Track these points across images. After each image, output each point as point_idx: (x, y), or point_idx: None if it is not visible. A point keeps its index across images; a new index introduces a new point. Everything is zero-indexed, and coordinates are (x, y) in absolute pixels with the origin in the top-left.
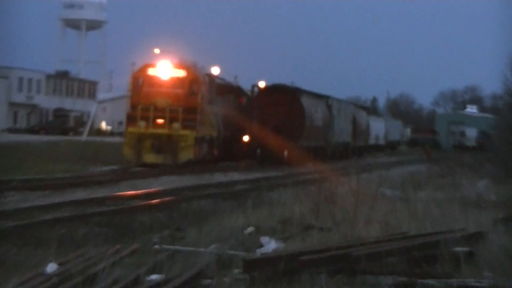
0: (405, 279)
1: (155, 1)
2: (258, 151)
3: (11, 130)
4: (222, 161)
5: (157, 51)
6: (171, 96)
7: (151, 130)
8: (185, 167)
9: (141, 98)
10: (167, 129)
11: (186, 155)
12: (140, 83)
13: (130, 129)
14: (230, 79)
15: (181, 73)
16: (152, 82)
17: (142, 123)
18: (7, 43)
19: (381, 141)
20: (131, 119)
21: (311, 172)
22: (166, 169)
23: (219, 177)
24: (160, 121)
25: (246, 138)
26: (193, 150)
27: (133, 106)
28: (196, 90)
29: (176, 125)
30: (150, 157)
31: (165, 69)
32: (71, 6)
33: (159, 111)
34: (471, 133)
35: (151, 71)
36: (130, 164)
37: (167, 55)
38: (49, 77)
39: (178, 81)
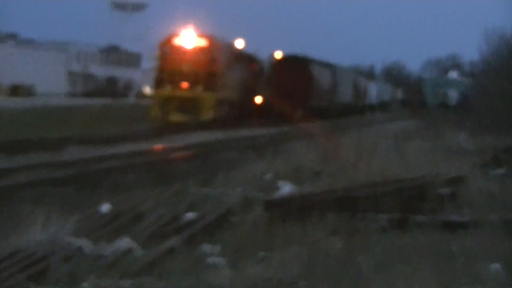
0: (398, 215)
1: None
2: (273, 110)
3: (70, 95)
4: (241, 120)
5: (188, 27)
6: (194, 62)
7: (177, 93)
8: (210, 124)
9: (167, 65)
10: (190, 91)
11: (208, 114)
12: (167, 51)
13: (158, 92)
14: (252, 50)
15: (203, 42)
16: (177, 50)
17: (168, 87)
18: (66, 22)
19: (376, 102)
20: (158, 83)
21: (319, 127)
22: (194, 126)
23: (240, 132)
24: (184, 84)
25: (260, 99)
26: (214, 110)
27: (160, 72)
28: (216, 57)
29: (198, 88)
30: (175, 117)
31: (189, 39)
32: None
33: (183, 76)
34: (452, 94)
35: (176, 41)
36: (157, 123)
37: (193, 28)
38: (101, 50)
39: (200, 49)
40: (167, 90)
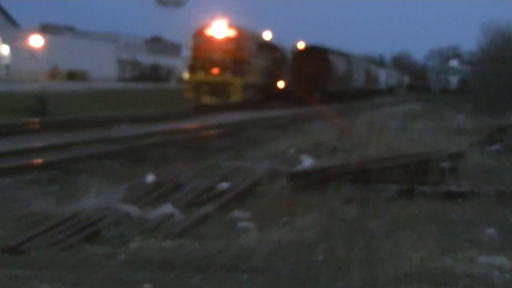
0: (405, 186)
1: None
2: (294, 94)
3: (120, 79)
4: (265, 102)
5: (218, 19)
6: (223, 50)
7: (208, 78)
8: (238, 106)
9: (200, 53)
10: (220, 76)
11: (235, 97)
12: (199, 40)
13: (191, 77)
14: (277, 40)
15: (232, 33)
16: (208, 39)
17: (200, 72)
18: (116, 16)
19: (385, 86)
20: (191, 69)
21: (335, 109)
22: (224, 107)
23: (265, 113)
24: (214, 70)
25: (282, 84)
26: (241, 93)
27: (193, 59)
28: (243, 46)
29: (227, 73)
30: (206, 99)
31: (219, 29)
32: None
33: (214, 63)
34: (453, 80)
35: (208, 31)
36: (191, 105)
37: (223, 20)
38: (146, 41)
39: (229, 39)
40: (199, 75)
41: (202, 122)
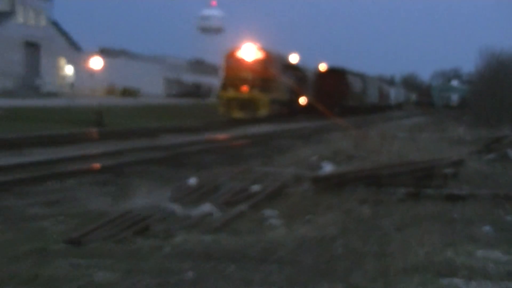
0: (412, 189)
1: (255, 13)
2: (316, 108)
3: (166, 96)
4: (289, 116)
5: (247, 43)
6: (252, 70)
7: (237, 95)
8: (265, 119)
9: (231, 72)
10: (249, 93)
11: (263, 111)
12: (230, 61)
13: (223, 94)
14: (303, 61)
15: (260, 55)
16: (238, 60)
17: (231, 90)
18: (164, 41)
19: (394, 102)
20: (224, 86)
21: (352, 122)
22: (254, 121)
23: (289, 125)
24: (244, 88)
25: (304, 100)
26: (268, 108)
27: (225, 78)
28: (270, 66)
29: (255, 90)
30: (237, 113)
31: (248, 52)
32: (204, 19)
33: (243, 81)
34: (454, 97)
35: (238, 53)
36: (224, 118)
37: (252, 43)
38: (189, 62)
39: (257, 60)
40: (230, 92)
41: (235, 133)
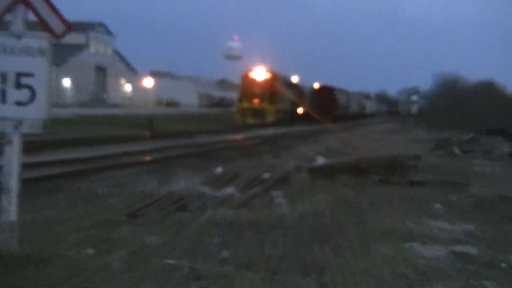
0: (384, 176)
1: (270, 41)
2: (311, 117)
3: (199, 107)
4: (290, 122)
5: (258, 66)
6: (261, 87)
7: (251, 105)
8: (272, 124)
9: (245, 88)
10: (259, 105)
11: (270, 118)
12: (245, 80)
13: (239, 105)
14: (302, 80)
15: (267, 75)
16: (251, 79)
17: (246, 101)
18: (198, 64)
19: (370, 112)
20: (240, 99)
21: (339, 126)
22: (263, 125)
23: (291, 129)
24: (255, 100)
25: (301, 110)
26: (274, 116)
27: (241, 93)
28: (275, 84)
29: (264, 102)
30: (250, 120)
31: (259, 73)
32: (228, 49)
33: (255, 95)
34: (414, 108)
35: (251, 74)
36: (240, 124)
37: (262, 66)
38: (217, 81)
39: (266, 79)
40: (244, 104)
41: (249, 134)
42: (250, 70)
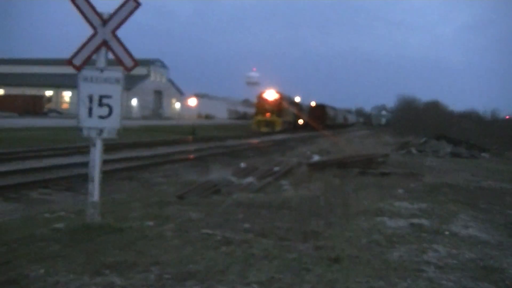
0: (362, 169)
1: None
2: (309, 126)
3: (229, 119)
4: (293, 130)
5: (270, 89)
6: (271, 104)
7: (264, 118)
8: (280, 132)
9: (260, 105)
10: (270, 117)
11: (278, 128)
12: (259, 99)
13: (255, 117)
14: (302, 99)
15: (276, 95)
16: (264, 98)
17: (260, 115)
18: (228, 87)
19: (351, 123)
20: (256, 113)
21: (329, 133)
22: (273, 133)
23: (294, 135)
24: (267, 114)
25: (301, 121)
26: (281, 126)
27: (257, 108)
28: (282, 102)
29: (274, 116)
30: (263, 129)
31: (270, 94)
32: (249, 77)
33: (267, 110)
34: (383, 120)
35: (264, 94)
36: (256, 131)
37: (272, 89)
38: (241, 101)
39: (275, 99)
40: (259, 117)
41: (263, 139)
42: (263, 91)
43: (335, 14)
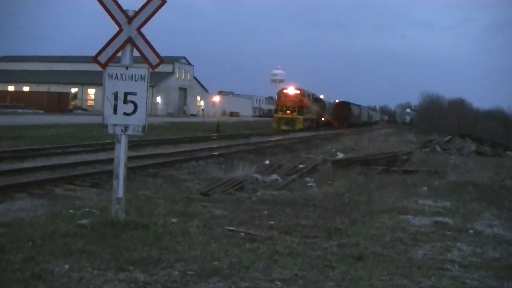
0: (385, 167)
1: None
2: (331, 124)
3: (253, 116)
4: (316, 128)
5: (290, 85)
6: (293, 101)
7: (284, 115)
8: (302, 130)
9: (280, 102)
10: (291, 115)
11: (298, 126)
12: (280, 96)
13: (276, 115)
14: (325, 96)
15: (297, 92)
16: (285, 95)
17: (280, 113)
18: (253, 86)
19: (375, 120)
20: (276, 111)
21: (353, 131)
22: (294, 131)
23: (318, 133)
24: (288, 111)
25: (324, 119)
26: (303, 124)
27: (277, 106)
28: (304, 99)
29: (295, 113)
30: (284, 127)
31: (291, 90)
32: (274, 75)
33: (288, 107)
34: (408, 118)
35: (285, 90)
36: (276, 130)
37: (293, 86)
38: (266, 98)
39: (296, 95)
40: (279, 114)
41: (289, 136)
42: (284, 88)
43: (359, 14)
